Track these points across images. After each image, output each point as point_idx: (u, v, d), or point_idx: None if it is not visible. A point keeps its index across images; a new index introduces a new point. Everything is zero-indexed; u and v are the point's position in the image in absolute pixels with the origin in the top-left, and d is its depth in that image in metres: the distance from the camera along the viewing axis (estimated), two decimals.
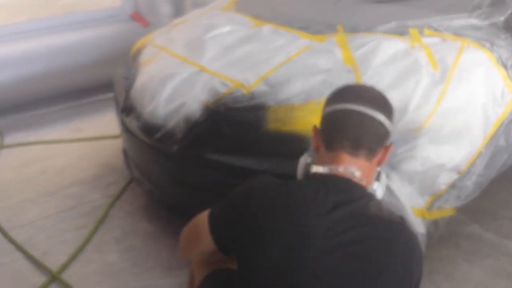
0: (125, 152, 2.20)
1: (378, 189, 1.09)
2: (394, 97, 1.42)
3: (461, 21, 1.72)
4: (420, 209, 1.46)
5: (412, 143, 1.42)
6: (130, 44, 2.47)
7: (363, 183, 1.01)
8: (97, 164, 2.50)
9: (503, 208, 2.04)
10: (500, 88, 1.58)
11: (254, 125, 1.52)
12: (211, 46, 1.87)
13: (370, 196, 1.00)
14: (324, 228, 0.91)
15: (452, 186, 1.49)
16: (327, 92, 1.11)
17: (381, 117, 1.02)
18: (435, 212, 1.50)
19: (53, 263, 1.82)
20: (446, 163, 1.45)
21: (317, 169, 1.02)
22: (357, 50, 1.61)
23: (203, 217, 1.06)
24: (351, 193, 0.97)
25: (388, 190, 1.38)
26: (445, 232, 1.63)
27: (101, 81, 3.15)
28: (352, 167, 1.00)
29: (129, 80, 2.09)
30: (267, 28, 1.92)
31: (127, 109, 1.98)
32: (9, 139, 2.80)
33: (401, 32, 1.68)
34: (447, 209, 1.52)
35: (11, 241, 1.95)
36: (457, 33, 1.66)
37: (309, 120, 1.42)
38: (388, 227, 0.94)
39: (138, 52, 2.24)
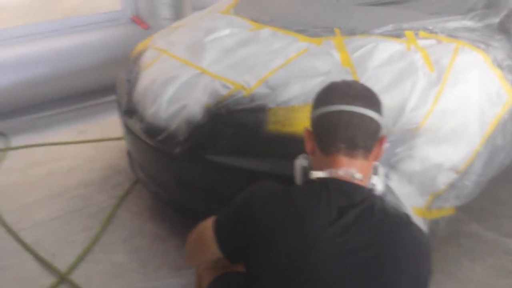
0: (129, 154, 2.23)
1: (377, 183, 1.08)
2: (391, 98, 1.48)
3: (456, 23, 1.75)
4: (421, 209, 1.48)
5: (410, 143, 1.44)
6: (131, 47, 2.49)
7: (364, 183, 1.00)
8: (103, 166, 2.53)
9: (504, 206, 2.04)
10: (495, 88, 1.60)
11: (255, 126, 1.55)
12: (211, 48, 1.90)
13: (374, 197, 0.99)
14: (330, 235, 0.90)
15: (452, 185, 1.51)
16: None
17: (370, 112, 1.01)
18: (435, 212, 1.52)
19: (61, 264, 1.84)
20: (444, 163, 1.47)
21: (317, 174, 1.00)
22: (355, 53, 1.63)
23: (208, 225, 1.06)
24: (354, 196, 0.96)
25: (389, 189, 1.41)
26: (447, 232, 1.63)
27: (103, 84, 3.18)
28: (352, 169, 0.99)
29: (131, 83, 2.12)
30: (266, 31, 1.94)
31: (129, 112, 2.01)
32: (15, 142, 2.83)
33: (397, 35, 1.70)
34: (447, 208, 1.54)
35: (20, 242, 1.97)
36: (452, 35, 1.68)
37: (308, 121, 1.45)
38: (395, 227, 0.93)
39: (139, 55, 2.26)
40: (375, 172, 1.09)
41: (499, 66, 1.64)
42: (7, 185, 2.40)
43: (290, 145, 1.48)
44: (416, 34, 1.69)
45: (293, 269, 0.91)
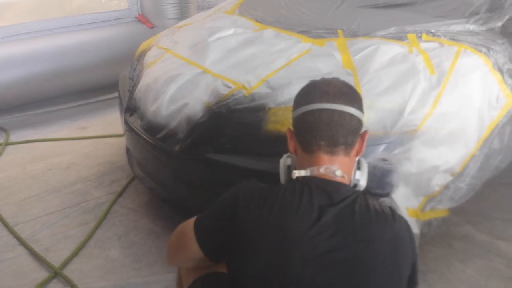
0: (128, 151, 2.24)
1: (361, 178, 1.08)
2: (391, 100, 1.49)
3: (458, 26, 1.75)
4: (414, 210, 1.48)
5: (407, 145, 1.44)
6: (135, 45, 2.51)
7: (346, 180, 1.01)
8: (102, 162, 2.54)
9: (496, 209, 2.06)
10: (495, 92, 1.61)
11: (255, 126, 1.55)
12: (215, 48, 1.90)
13: (356, 194, 0.99)
14: (311, 235, 0.91)
15: (446, 187, 1.51)
16: None
17: (350, 109, 1.01)
18: (429, 213, 1.52)
19: (56, 259, 1.84)
20: (440, 165, 1.47)
21: (299, 173, 1.01)
22: (357, 54, 1.64)
23: (189, 225, 1.05)
24: (335, 194, 0.96)
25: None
26: (439, 233, 1.64)
27: (107, 81, 3.20)
28: (333, 166, 0.99)
29: (134, 81, 2.13)
30: (269, 31, 1.95)
31: (130, 109, 2.02)
32: (15, 137, 2.84)
33: (399, 37, 1.71)
34: (441, 210, 1.54)
35: (15, 236, 1.97)
36: (454, 38, 1.69)
37: None
38: (375, 225, 0.94)
39: (143, 53, 2.27)
40: (359, 167, 1.10)
41: (500, 70, 1.64)
42: (6, 179, 2.40)
43: None
44: (419, 37, 1.69)
45: (275, 270, 0.91)
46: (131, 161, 2.20)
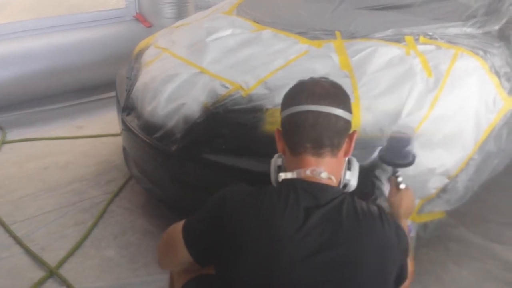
0: (125, 150, 2.24)
1: (351, 179, 1.08)
2: (388, 102, 1.49)
3: (456, 29, 1.76)
4: None
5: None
6: (133, 44, 2.50)
7: (333, 181, 1.01)
8: (98, 161, 2.53)
9: (492, 212, 2.07)
10: (492, 95, 1.61)
11: (252, 126, 1.55)
12: (212, 48, 1.90)
13: (344, 195, 0.98)
14: (298, 237, 0.91)
15: (442, 190, 1.52)
16: None
17: (336, 110, 1.01)
18: (425, 216, 1.53)
19: (52, 258, 1.83)
20: (437, 168, 1.47)
21: (286, 175, 1.01)
22: (354, 56, 1.64)
23: (178, 228, 1.05)
24: (321, 196, 0.96)
25: (380, 193, 1.41)
26: (435, 235, 1.66)
27: (104, 80, 3.19)
28: (319, 168, 0.99)
29: (131, 80, 2.13)
30: (267, 32, 1.95)
31: (128, 108, 2.01)
32: (12, 135, 2.83)
33: (397, 39, 1.71)
34: (437, 212, 1.55)
35: (11, 235, 1.97)
36: (452, 41, 1.69)
37: None
38: (362, 226, 0.93)
39: (141, 52, 2.27)
40: (349, 167, 1.09)
41: (497, 73, 1.64)
42: (2, 178, 2.39)
43: None
44: (416, 39, 1.70)
45: (263, 272, 0.91)
46: (128, 160, 2.19)
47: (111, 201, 2.18)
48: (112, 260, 1.85)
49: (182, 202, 1.82)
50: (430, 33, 1.73)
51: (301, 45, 1.79)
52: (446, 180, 1.51)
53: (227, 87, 1.66)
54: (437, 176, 1.48)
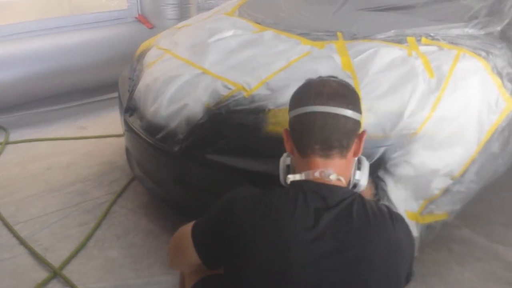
0: (127, 151, 2.24)
1: (361, 179, 1.06)
2: (390, 103, 1.49)
3: (457, 30, 1.76)
4: (414, 213, 1.48)
5: (406, 148, 1.44)
6: (135, 45, 2.51)
7: (342, 182, 0.99)
8: (101, 162, 2.54)
9: (495, 213, 2.06)
10: (494, 96, 1.61)
11: (254, 127, 1.55)
12: (214, 49, 1.90)
13: (353, 197, 0.97)
14: (308, 239, 0.90)
15: (446, 191, 1.51)
16: None
17: (345, 111, 0.99)
18: (428, 217, 1.52)
19: (55, 259, 1.84)
20: (440, 169, 1.47)
21: (294, 177, 1.00)
22: (356, 57, 1.64)
23: (187, 231, 1.04)
24: (331, 198, 0.95)
25: (383, 193, 1.41)
26: (438, 236, 1.65)
27: (107, 81, 3.20)
28: (328, 170, 0.98)
29: (133, 81, 2.13)
30: (269, 33, 1.95)
31: (130, 109, 2.02)
32: (15, 136, 2.84)
33: (399, 40, 1.71)
34: (440, 213, 1.55)
35: (15, 236, 1.97)
36: (454, 42, 1.69)
37: None
38: (373, 229, 0.92)
39: (143, 54, 2.27)
40: (359, 167, 1.08)
41: (499, 74, 1.64)
42: (6, 178, 2.40)
43: None
44: (418, 40, 1.70)
45: (271, 276, 0.91)
46: (131, 161, 2.20)
47: (114, 202, 2.19)
48: (115, 261, 1.85)
49: (185, 202, 1.82)
50: (432, 34, 1.73)
51: (303, 46, 1.79)
52: (450, 181, 1.51)
53: (229, 88, 1.66)
54: (440, 177, 1.48)
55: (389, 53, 1.63)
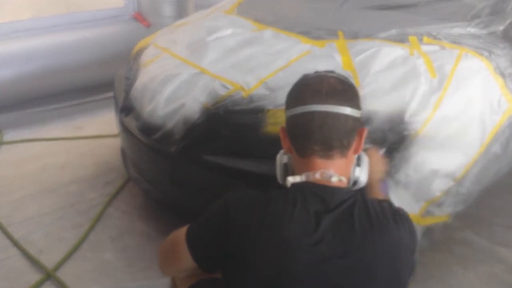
0: (123, 152, 2.21)
1: (361, 174, 1.04)
2: (391, 103, 1.47)
3: (460, 29, 1.75)
4: (415, 215, 1.47)
5: (408, 149, 1.42)
6: (132, 44, 2.49)
7: (343, 182, 0.97)
8: (97, 162, 2.51)
9: (497, 215, 2.05)
10: (497, 96, 1.59)
11: (253, 127, 1.53)
12: (213, 48, 1.89)
13: (354, 197, 0.94)
14: (308, 243, 0.88)
15: (447, 192, 1.50)
16: None
17: (345, 109, 0.95)
18: (430, 219, 1.51)
19: (49, 261, 1.82)
20: (441, 170, 1.46)
21: (294, 179, 0.96)
22: (357, 56, 1.63)
23: (181, 234, 1.01)
24: (331, 200, 0.92)
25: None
26: (440, 238, 1.64)
27: (103, 80, 3.17)
28: (329, 170, 0.95)
29: (130, 80, 2.11)
30: (268, 32, 1.93)
31: (126, 109, 1.99)
32: (9, 136, 2.81)
33: (401, 39, 1.70)
34: (442, 215, 1.53)
35: (9, 237, 1.95)
36: (456, 41, 1.68)
37: None
38: (374, 230, 0.90)
39: (140, 52, 2.25)
40: (358, 163, 1.05)
41: (501, 74, 1.63)
42: (0, 179, 2.37)
43: None
44: (420, 40, 1.68)
45: (272, 279, 0.88)
46: (126, 162, 2.17)
47: (108, 204, 2.16)
48: (109, 263, 1.83)
49: (182, 204, 1.80)
50: (434, 33, 1.71)
51: (303, 45, 1.78)
52: (452, 183, 1.50)
53: (227, 88, 1.65)
54: (441, 178, 1.47)
55: (391, 53, 1.62)
